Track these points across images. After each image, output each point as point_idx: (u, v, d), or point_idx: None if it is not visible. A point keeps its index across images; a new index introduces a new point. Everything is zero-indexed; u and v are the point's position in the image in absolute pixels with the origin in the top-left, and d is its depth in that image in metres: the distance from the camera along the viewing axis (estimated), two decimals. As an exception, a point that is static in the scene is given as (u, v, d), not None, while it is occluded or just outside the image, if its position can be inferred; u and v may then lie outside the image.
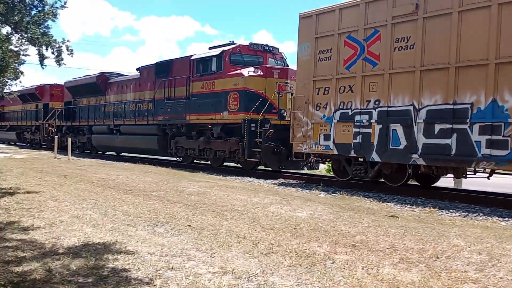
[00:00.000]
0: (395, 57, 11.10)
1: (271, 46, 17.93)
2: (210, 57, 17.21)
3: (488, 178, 10.63)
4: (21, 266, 4.33)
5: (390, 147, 11.12)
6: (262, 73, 15.99)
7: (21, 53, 15.29)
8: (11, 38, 13.56)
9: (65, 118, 28.54)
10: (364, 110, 11.73)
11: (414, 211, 9.22)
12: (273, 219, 7.20)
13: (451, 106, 9.99)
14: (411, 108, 10.72)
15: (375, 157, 11.45)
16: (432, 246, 5.63)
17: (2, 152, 23.60)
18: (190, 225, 6.51)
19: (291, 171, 16.23)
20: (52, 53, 11.88)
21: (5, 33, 13.61)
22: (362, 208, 9.07)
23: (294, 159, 14.16)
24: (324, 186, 12.79)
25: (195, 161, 19.56)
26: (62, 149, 25.61)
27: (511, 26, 9.18)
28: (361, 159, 12.18)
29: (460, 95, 9.88)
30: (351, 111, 12.03)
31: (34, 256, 4.67)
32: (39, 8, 11.59)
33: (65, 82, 29.68)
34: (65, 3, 11.83)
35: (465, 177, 11.50)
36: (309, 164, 15.60)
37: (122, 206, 7.98)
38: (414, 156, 10.62)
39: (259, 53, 17.33)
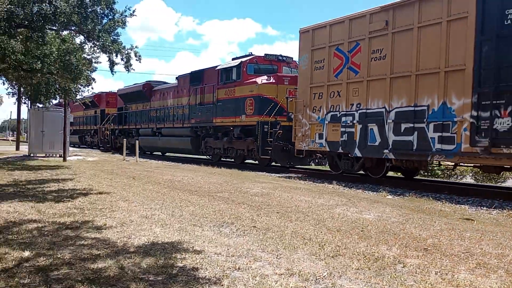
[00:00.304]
0: (371, 66, 13.14)
1: (285, 56, 19.90)
2: (231, 68, 19.75)
3: (453, 169, 13.39)
4: (96, 263, 4.48)
5: (368, 143, 13.15)
6: (273, 81, 18.21)
7: (93, 60, 16.07)
8: (84, 47, 14.27)
9: (118, 122, 31.78)
10: (348, 112, 13.78)
11: (491, 214, 8.75)
12: (339, 221, 7.07)
13: (413, 108, 11.92)
14: (384, 110, 12.70)
15: (357, 152, 13.53)
16: (512, 251, 5.31)
17: (76, 155, 24.78)
18: (255, 226, 6.51)
19: (299, 166, 18.22)
20: (122, 59, 12.37)
21: (78, 42, 14.34)
22: (433, 210, 8.71)
23: (297, 155, 16.00)
24: (392, 187, 12.46)
25: (222, 158, 21.84)
26: (115, 150, 29.06)
27: (457, 39, 10.98)
28: (350, 155, 13.99)
29: (419, 98, 11.80)
30: (339, 113, 14.13)
31: (107, 254, 4.83)
32: (110, 17, 12.08)
33: (117, 90, 32.90)
34: (133, 11, 12.29)
35: (426, 169, 14.57)
36: (316, 160, 17.54)
37: (188, 207, 8.12)
38: (386, 151, 12.62)
39: (273, 63, 19.56)
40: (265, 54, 19.49)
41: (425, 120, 11.51)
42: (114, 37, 12.12)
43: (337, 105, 14.10)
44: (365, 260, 4.85)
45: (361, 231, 6.36)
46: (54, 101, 25.79)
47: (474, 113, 10.39)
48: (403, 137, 12.05)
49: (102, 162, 20.28)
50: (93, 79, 17.31)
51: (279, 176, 15.44)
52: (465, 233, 6.35)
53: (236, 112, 19.11)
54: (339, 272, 4.42)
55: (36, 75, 15.63)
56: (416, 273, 4.45)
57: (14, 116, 64.53)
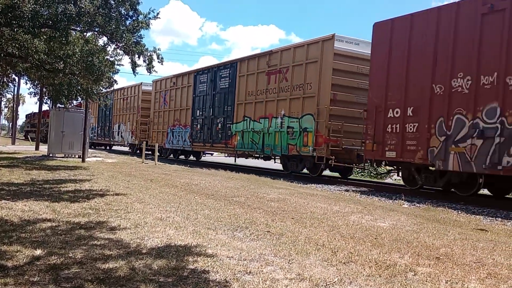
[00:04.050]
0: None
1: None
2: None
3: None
4: (107, 264, 4.52)
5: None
6: None
7: (116, 62, 16.17)
8: (107, 48, 14.38)
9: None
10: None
11: (505, 225, 8.61)
12: (354, 228, 7.04)
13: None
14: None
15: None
16: (525, 262, 5.22)
17: (95, 156, 25.09)
18: (269, 231, 6.52)
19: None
20: (144, 61, 12.41)
21: (101, 43, 14.46)
22: (448, 220, 8.62)
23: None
24: (408, 196, 12.36)
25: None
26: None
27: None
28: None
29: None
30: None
31: (119, 254, 4.88)
32: (134, 18, 12.14)
33: None
34: (157, 14, 12.29)
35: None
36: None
37: (204, 210, 8.16)
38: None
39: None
40: None
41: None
42: (137, 38, 12.19)
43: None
44: (377, 267, 4.83)
45: (375, 238, 6.33)
46: (75, 102, 26.19)
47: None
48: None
49: (120, 164, 20.46)
50: (115, 81, 17.38)
51: (293, 182, 15.42)
52: (478, 243, 6.28)
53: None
54: (349, 279, 4.41)
55: (58, 75, 15.79)
56: (426, 281, 4.41)
57: (37, 117, 65.44)
